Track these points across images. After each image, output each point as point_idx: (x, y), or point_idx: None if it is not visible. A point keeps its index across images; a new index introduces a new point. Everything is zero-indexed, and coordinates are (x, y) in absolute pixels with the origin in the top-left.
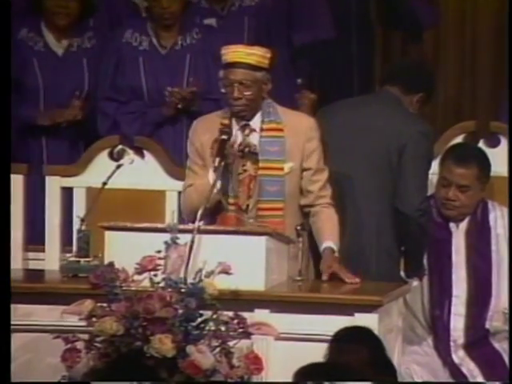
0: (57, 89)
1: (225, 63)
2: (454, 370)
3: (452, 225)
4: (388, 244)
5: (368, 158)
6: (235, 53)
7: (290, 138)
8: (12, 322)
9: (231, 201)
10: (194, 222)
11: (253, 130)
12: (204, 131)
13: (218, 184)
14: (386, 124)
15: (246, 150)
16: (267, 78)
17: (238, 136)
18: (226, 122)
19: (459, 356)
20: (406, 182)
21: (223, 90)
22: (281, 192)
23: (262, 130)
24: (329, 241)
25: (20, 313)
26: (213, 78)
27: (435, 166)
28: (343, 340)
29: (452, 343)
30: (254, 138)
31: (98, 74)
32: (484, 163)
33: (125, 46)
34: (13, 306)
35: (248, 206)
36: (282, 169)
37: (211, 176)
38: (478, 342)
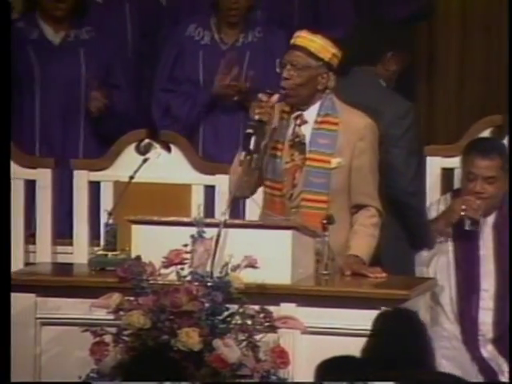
0: (53, 78)
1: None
2: (483, 364)
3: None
4: (395, 229)
5: None
6: (298, 37)
7: (343, 134)
8: (41, 316)
9: (278, 186)
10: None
11: (305, 122)
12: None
13: (245, 177)
14: (364, 111)
15: (296, 139)
16: (325, 71)
17: (290, 125)
18: (287, 109)
19: (488, 350)
20: (390, 167)
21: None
22: (326, 185)
23: (316, 122)
24: (355, 251)
25: (49, 306)
26: (270, 76)
27: (458, 161)
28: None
29: (480, 337)
30: (305, 129)
31: (158, 65)
32: (505, 153)
33: (187, 40)
34: (42, 300)
35: (292, 194)
36: (329, 162)
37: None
38: (506, 336)
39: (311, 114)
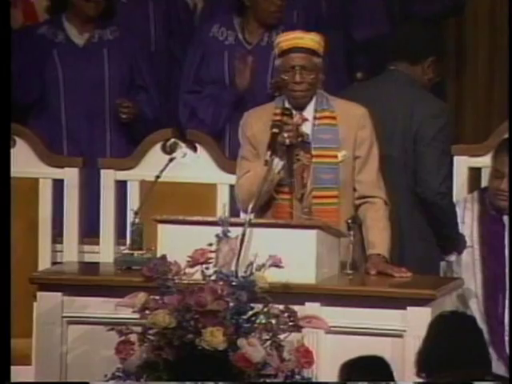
0: (77, 79)
1: (282, 50)
2: (510, 364)
3: (505, 218)
4: (420, 230)
5: (384, 144)
6: (294, 39)
7: (342, 126)
8: (68, 315)
9: (286, 190)
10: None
11: (305, 120)
12: (256, 121)
13: (271, 176)
14: (397, 109)
15: (299, 139)
16: (322, 66)
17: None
18: (279, 111)
19: None
20: (422, 167)
21: (283, 77)
22: (335, 179)
23: (315, 118)
24: (377, 249)
25: (75, 305)
26: None
27: (488, 159)
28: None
29: (507, 337)
30: (307, 128)
31: (183, 66)
32: None
33: (211, 40)
34: (68, 299)
35: (303, 195)
36: (335, 156)
37: (262, 168)
38: None
39: (309, 111)
